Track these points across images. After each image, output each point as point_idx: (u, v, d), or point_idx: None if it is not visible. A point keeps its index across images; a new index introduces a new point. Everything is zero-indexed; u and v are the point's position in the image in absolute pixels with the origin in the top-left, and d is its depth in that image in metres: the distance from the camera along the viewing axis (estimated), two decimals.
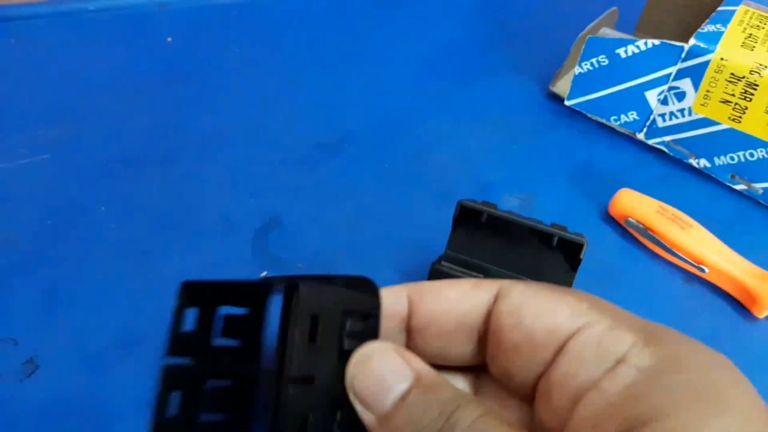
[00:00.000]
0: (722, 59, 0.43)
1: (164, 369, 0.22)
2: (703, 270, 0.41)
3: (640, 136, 0.49)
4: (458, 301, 0.25)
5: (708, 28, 0.45)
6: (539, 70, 0.55)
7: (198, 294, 0.24)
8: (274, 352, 0.24)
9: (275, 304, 0.23)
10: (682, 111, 0.46)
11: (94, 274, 0.41)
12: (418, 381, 0.23)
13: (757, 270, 0.40)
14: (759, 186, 0.46)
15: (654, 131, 0.48)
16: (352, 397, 0.23)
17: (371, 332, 0.23)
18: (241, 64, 0.56)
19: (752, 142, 0.44)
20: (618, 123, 0.50)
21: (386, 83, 0.55)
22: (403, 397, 0.23)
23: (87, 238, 0.43)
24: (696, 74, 0.45)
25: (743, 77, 0.43)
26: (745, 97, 0.43)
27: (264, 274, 0.41)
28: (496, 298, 0.24)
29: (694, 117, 0.46)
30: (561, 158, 0.50)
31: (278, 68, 0.56)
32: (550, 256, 0.35)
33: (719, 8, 0.46)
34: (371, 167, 0.48)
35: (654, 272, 0.43)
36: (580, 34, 0.49)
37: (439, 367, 0.25)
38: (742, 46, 0.43)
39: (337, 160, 0.49)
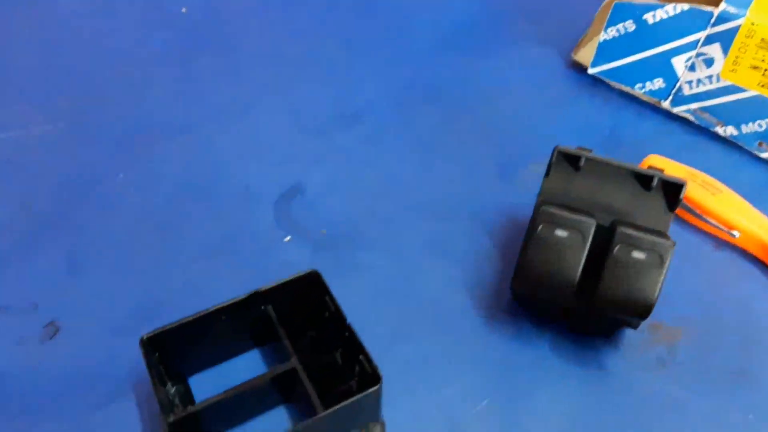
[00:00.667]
0: (753, 24, 0.42)
1: None
2: (734, 235, 0.40)
3: (665, 104, 0.49)
4: None
5: None
6: (560, 39, 0.55)
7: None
8: None
9: None
10: (710, 77, 0.46)
11: (114, 240, 0.41)
12: None
13: None
14: None
15: (680, 99, 0.48)
16: None
17: None
18: (259, 34, 0.55)
19: None
20: (643, 91, 0.49)
21: (407, 55, 0.54)
22: None
23: (106, 205, 0.43)
24: (725, 40, 0.44)
25: None
26: None
27: (288, 239, 0.41)
28: None
29: (722, 84, 0.45)
30: (585, 128, 0.49)
31: (298, 40, 0.55)
32: (647, 199, 0.34)
33: None
34: (393, 136, 0.47)
35: (684, 239, 0.42)
36: (606, 0, 0.48)
37: None
38: None
39: (359, 129, 0.48)
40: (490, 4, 0.59)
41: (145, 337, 0.29)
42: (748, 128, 0.46)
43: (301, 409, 0.32)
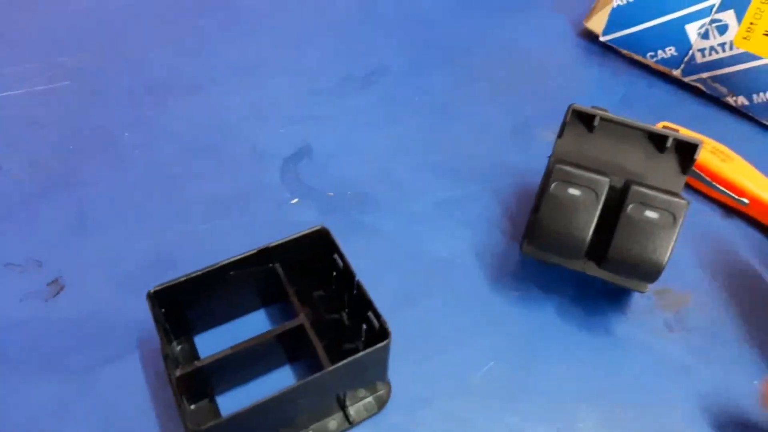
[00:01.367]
0: None
1: None
2: (743, 202, 0.40)
3: (677, 73, 0.48)
4: None
5: None
6: (572, 6, 0.54)
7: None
8: None
9: None
10: (722, 45, 0.45)
11: (121, 198, 0.40)
12: None
13: None
14: None
15: (692, 68, 0.47)
16: None
17: None
18: None
19: None
20: (654, 59, 0.48)
21: (421, 16, 0.54)
22: None
23: (111, 163, 0.42)
24: (740, 6, 0.43)
25: None
26: None
27: (295, 201, 0.40)
28: None
29: (735, 52, 0.45)
30: (595, 96, 0.48)
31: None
32: (661, 160, 0.34)
33: None
34: (403, 99, 0.47)
35: (693, 207, 0.41)
36: None
37: None
38: None
39: (369, 92, 0.47)
40: None
41: (152, 291, 0.29)
42: (760, 98, 0.45)
43: (308, 368, 0.32)
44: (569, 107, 0.33)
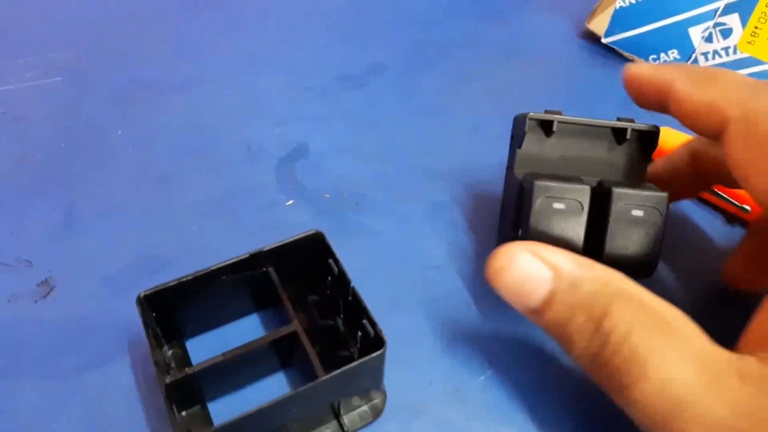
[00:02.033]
0: None
1: None
2: (745, 210, 0.39)
3: None
4: None
5: None
6: (574, 7, 0.53)
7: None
8: None
9: None
10: (726, 49, 0.44)
11: (113, 197, 0.40)
12: (557, 279, 0.24)
13: None
14: None
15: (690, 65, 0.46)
16: (499, 294, 0.26)
17: None
18: None
19: None
20: (657, 62, 0.48)
21: (418, 16, 0.53)
22: (547, 300, 0.24)
23: (104, 161, 0.41)
24: (745, 9, 0.43)
25: None
26: None
27: (290, 202, 0.40)
28: None
29: (738, 56, 0.44)
30: (595, 98, 0.48)
31: None
32: (621, 151, 0.33)
33: None
34: (399, 99, 0.46)
35: (695, 213, 0.41)
36: None
37: None
38: None
39: (364, 91, 0.47)
40: None
41: (142, 295, 0.28)
42: None
43: (301, 375, 0.32)
44: (525, 117, 0.33)
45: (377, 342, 0.28)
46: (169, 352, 0.32)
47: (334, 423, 0.30)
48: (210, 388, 0.30)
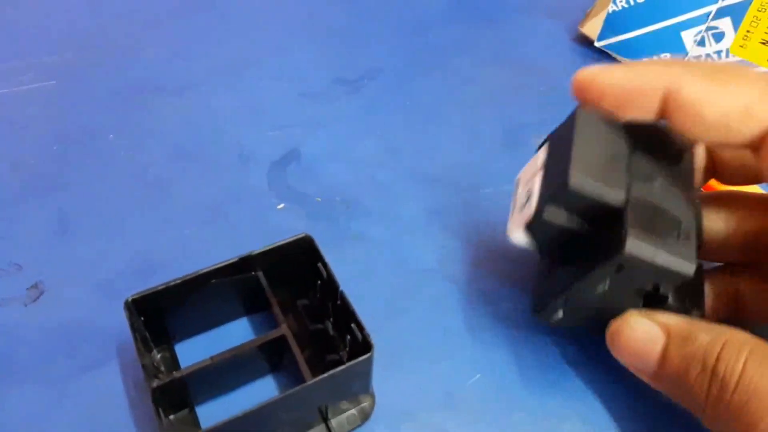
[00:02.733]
0: None
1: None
2: None
3: None
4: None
5: None
6: (568, 11, 0.53)
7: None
8: None
9: None
10: (718, 53, 0.44)
11: (105, 201, 0.39)
12: (669, 337, 0.25)
13: None
14: None
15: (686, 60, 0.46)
16: (621, 362, 0.27)
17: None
18: None
19: None
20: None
21: (413, 21, 0.53)
22: (663, 357, 0.25)
23: (96, 165, 0.41)
24: (737, 13, 0.43)
25: None
26: None
27: (281, 206, 0.40)
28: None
29: (731, 59, 0.44)
30: None
31: (299, 1, 0.54)
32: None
33: None
34: (394, 104, 0.46)
35: None
36: None
37: None
38: None
39: (359, 96, 0.47)
40: None
41: (129, 299, 0.28)
42: None
43: (290, 379, 0.32)
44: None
45: (365, 346, 0.28)
46: (159, 356, 0.32)
47: (322, 426, 0.30)
48: (198, 392, 0.30)
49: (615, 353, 0.27)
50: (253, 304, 0.33)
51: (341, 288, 0.30)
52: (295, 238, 0.31)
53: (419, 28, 0.52)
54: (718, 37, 0.44)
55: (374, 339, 0.28)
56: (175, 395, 0.28)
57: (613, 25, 0.48)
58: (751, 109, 0.22)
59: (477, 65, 0.50)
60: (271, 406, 0.26)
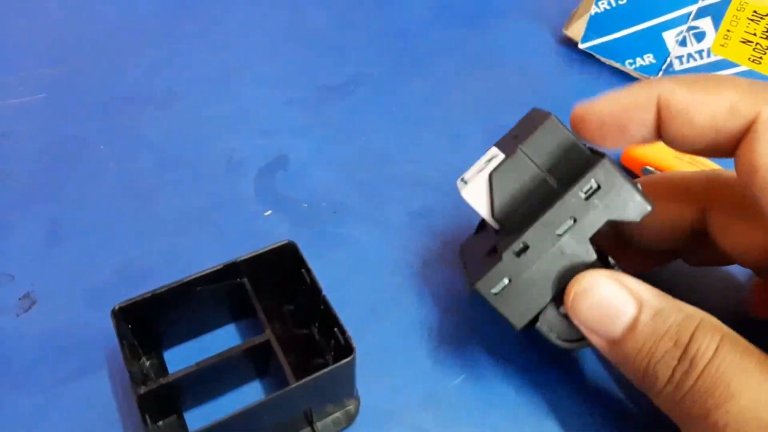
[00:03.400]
0: None
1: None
2: None
3: None
4: None
5: None
6: (551, 14, 0.54)
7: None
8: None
9: None
10: (700, 53, 0.45)
11: (95, 211, 0.40)
12: (642, 308, 0.24)
13: None
14: None
15: (670, 75, 0.47)
16: (576, 323, 0.25)
17: None
18: (245, 1, 0.54)
19: None
20: (633, 67, 0.48)
21: (396, 25, 0.53)
22: (631, 327, 0.24)
23: (87, 176, 0.42)
24: (717, 13, 0.43)
25: (766, 15, 0.41)
26: (767, 36, 0.42)
27: (268, 213, 0.40)
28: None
29: (712, 59, 0.45)
30: (574, 103, 0.48)
31: (284, 6, 0.54)
32: None
33: None
34: (380, 109, 0.47)
35: None
36: None
37: None
38: None
39: (345, 102, 0.47)
40: None
41: (116, 308, 0.29)
42: None
43: (277, 383, 0.32)
44: None
45: (347, 350, 0.28)
46: (147, 363, 0.32)
47: (307, 429, 0.30)
48: (186, 398, 0.30)
49: (575, 313, 0.25)
50: (239, 311, 0.34)
51: (324, 293, 0.30)
52: (278, 244, 0.31)
53: (403, 33, 0.53)
54: (700, 36, 0.44)
55: (359, 342, 0.28)
56: (162, 401, 0.29)
57: (596, 26, 0.48)
58: (735, 107, 0.23)
59: (461, 69, 0.50)
60: (255, 409, 0.26)
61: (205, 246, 0.38)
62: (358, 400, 0.31)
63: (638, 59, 0.48)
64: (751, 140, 0.23)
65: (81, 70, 0.49)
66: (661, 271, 0.35)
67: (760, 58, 0.43)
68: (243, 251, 0.32)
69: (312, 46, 0.51)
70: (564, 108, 0.47)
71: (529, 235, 0.26)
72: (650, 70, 0.48)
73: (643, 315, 0.24)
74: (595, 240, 0.26)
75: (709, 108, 0.24)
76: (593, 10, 0.47)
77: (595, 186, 0.25)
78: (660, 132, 0.25)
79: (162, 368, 0.32)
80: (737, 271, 0.36)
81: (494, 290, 0.26)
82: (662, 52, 0.46)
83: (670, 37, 0.45)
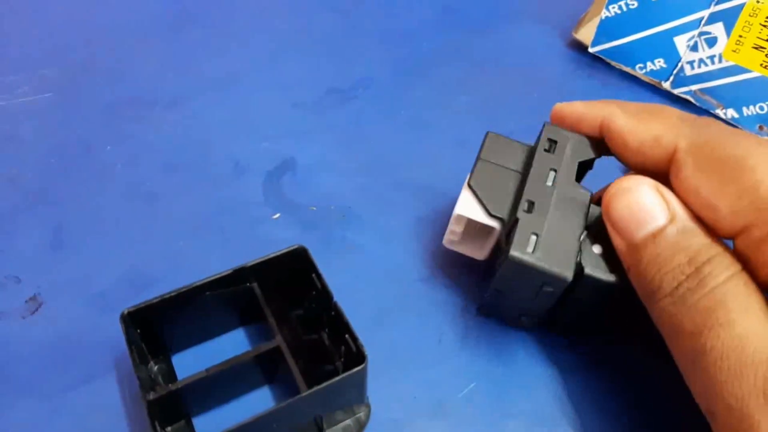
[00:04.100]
0: (758, 1, 0.41)
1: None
2: None
3: (666, 85, 0.48)
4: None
5: None
6: (561, 17, 0.53)
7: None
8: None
9: None
10: (711, 58, 0.45)
11: (101, 214, 0.40)
12: (672, 221, 0.25)
13: None
14: None
15: (681, 80, 0.47)
16: (606, 220, 0.27)
17: None
18: (251, 5, 0.54)
19: None
20: (643, 71, 0.48)
21: (403, 29, 0.53)
22: (655, 234, 0.25)
23: (93, 178, 0.42)
24: (729, 18, 0.43)
25: None
26: None
27: (276, 216, 0.40)
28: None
29: (724, 64, 0.44)
30: None
31: (290, 11, 0.54)
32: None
33: None
34: (386, 113, 0.46)
35: None
36: None
37: None
38: None
39: (352, 105, 0.47)
40: None
41: (125, 312, 0.29)
42: (749, 111, 0.45)
43: (286, 390, 0.32)
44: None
45: (359, 357, 0.28)
46: (156, 368, 0.32)
47: None
48: (194, 404, 0.30)
49: (610, 210, 0.26)
50: (248, 316, 0.33)
51: (335, 299, 0.30)
52: (289, 249, 0.31)
53: (410, 37, 0.53)
54: (711, 42, 0.44)
55: (369, 348, 0.28)
56: (171, 407, 0.29)
57: (606, 30, 0.48)
58: (659, 139, 0.27)
59: (469, 73, 0.50)
60: (265, 417, 0.26)
61: (212, 250, 0.38)
62: (368, 407, 0.31)
63: (649, 64, 0.47)
64: (674, 168, 0.26)
65: (87, 71, 0.48)
66: None
67: None
68: (250, 256, 0.31)
69: (318, 50, 0.51)
70: None
71: (528, 192, 0.29)
72: (661, 75, 0.47)
73: (671, 227, 0.25)
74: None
75: (638, 137, 0.28)
76: (604, 14, 0.47)
77: (551, 140, 0.31)
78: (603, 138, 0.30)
79: (170, 373, 0.32)
80: None
81: (529, 248, 0.28)
82: (673, 56, 0.46)
83: (681, 41, 0.45)
